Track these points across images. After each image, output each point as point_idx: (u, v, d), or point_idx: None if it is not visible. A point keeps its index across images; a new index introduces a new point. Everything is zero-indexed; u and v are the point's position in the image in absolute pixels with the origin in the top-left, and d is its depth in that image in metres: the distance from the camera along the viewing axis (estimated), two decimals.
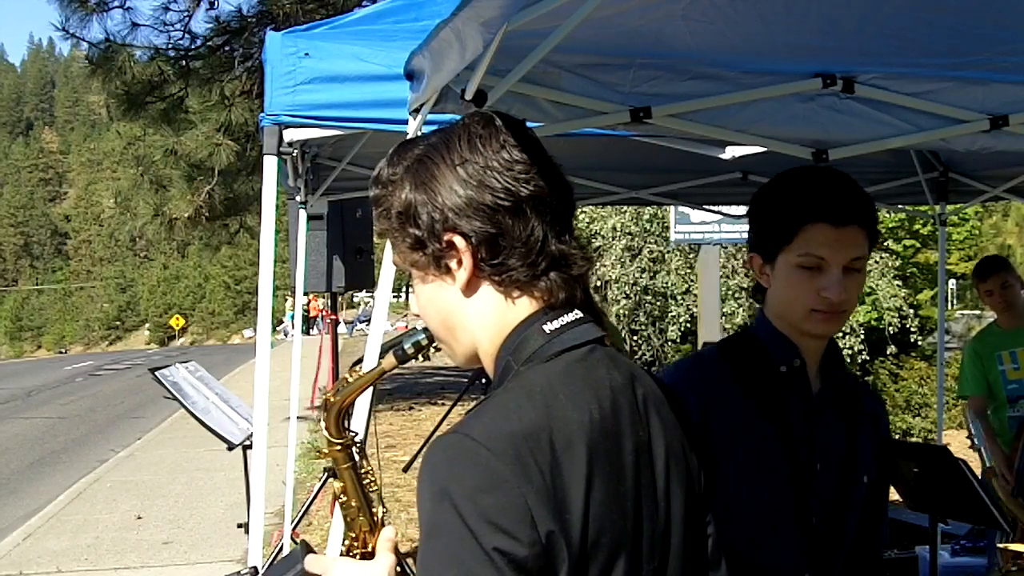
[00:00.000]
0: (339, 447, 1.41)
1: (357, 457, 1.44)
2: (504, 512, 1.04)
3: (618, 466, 1.15)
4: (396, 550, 1.30)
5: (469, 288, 1.21)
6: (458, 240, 1.19)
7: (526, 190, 1.19)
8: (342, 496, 1.41)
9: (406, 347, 1.34)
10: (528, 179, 1.19)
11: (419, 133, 2.34)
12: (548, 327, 1.19)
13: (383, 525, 1.40)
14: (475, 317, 1.23)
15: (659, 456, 1.21)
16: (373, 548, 1.38)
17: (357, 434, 1.48)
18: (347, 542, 1.41)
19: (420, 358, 1.35)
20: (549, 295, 1.21)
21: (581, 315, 1.22)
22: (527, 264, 1.19)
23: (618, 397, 1.18)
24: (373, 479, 1.46)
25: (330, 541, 2.81)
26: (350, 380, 1.40)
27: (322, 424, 1.43)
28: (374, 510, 1.41)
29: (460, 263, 1.20)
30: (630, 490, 1.15)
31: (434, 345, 1.34)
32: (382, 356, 1.46)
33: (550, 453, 1.08)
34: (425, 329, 1.32)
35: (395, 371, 1.36)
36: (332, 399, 1.40)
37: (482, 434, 1.08)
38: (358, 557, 1.40)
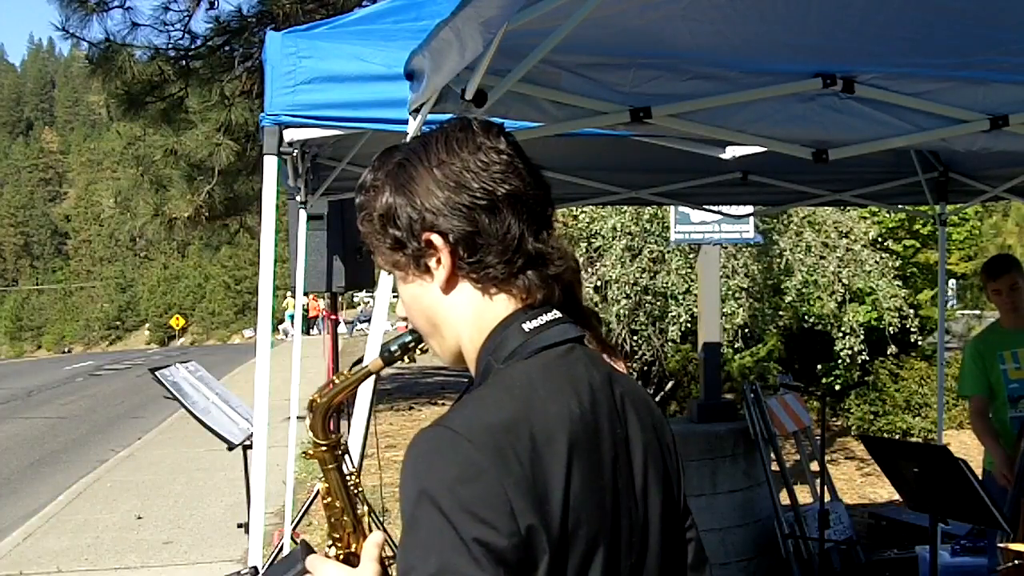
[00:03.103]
0: (324, 448, 1.42)
1: (345, 458, 1.45)
2: (483, 502, 1.05)
3: (597, 460, 1.16)
4: (381, 560, 1.29)
5: (448, 286, 1.24)
6: (436, 239, 1.22)
7: (503, 189, 1.21)
8: (327, 497, 1.42)
9: (392, 348, 1.35)
10: (504, 179, 1.22)
11: (419, 133, 2.35)
12: (527, 326, 1.22)
13: (371, 529, 1.41)
14: (456, 315, 1.25)
15: (637, 454, 1.23)
16: (357, 549, 1.39)
17: (343, 435, 1.48)
18: (331, 542, 1.42)
19: (407, 359, 1.36)
20: (527, 294, 1.23)
21: (560, 315, 1.25)
22: (504, 261, 1.21)
23: (597, 394, 1.21)
24: (358, 480, 1.47)
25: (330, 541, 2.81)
26: (337, 382, 1.41)
27: (307, 424, 1.44)
28: (358, 511, 1.42)
29: (439, 262, 1.23)
30: (608, 484, 1.17)
31: (421, 346, 1.35)
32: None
33: (530, 445, 1.10)
34: (413, 330, 1.34)
35: (396, 371, 1.36)
36: (318, 400, 1.41)
37: (462, 426, 1.10)
38: (342, 557, 1.41)
